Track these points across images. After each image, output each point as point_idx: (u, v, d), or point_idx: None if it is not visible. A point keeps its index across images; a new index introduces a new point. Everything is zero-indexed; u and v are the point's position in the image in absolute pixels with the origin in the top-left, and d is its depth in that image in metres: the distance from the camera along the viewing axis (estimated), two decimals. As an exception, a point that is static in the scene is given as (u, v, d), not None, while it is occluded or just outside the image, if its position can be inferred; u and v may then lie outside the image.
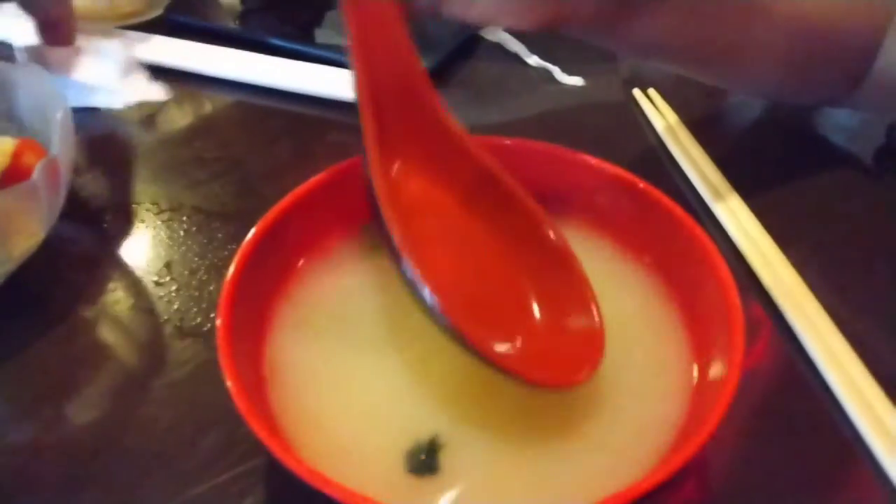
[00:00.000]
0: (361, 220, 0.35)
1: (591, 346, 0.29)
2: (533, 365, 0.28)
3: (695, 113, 0.52)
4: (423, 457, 0.27)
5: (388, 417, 0.29)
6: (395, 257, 0.28)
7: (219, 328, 0.28)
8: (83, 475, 0.33)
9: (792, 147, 0.52)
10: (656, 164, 0.50)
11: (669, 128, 0.51)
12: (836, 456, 0.33)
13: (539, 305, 0.30)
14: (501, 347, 0.28)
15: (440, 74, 0.57)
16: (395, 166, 0.31)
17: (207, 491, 0.32)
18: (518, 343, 0.29)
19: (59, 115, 0.38)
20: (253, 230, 0.32)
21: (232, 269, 0.30)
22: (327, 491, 0.22)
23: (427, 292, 0.27)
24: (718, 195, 0.45)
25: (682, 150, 0.49)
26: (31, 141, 0.40)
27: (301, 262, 0.35)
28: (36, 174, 0.35)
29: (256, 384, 0.29)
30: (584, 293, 0.30)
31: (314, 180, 0.34)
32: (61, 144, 0.37)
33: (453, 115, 0.31)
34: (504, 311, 0.30)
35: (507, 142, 0.36)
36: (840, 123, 0.54)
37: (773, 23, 0.42)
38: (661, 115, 0.52)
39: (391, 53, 0.30)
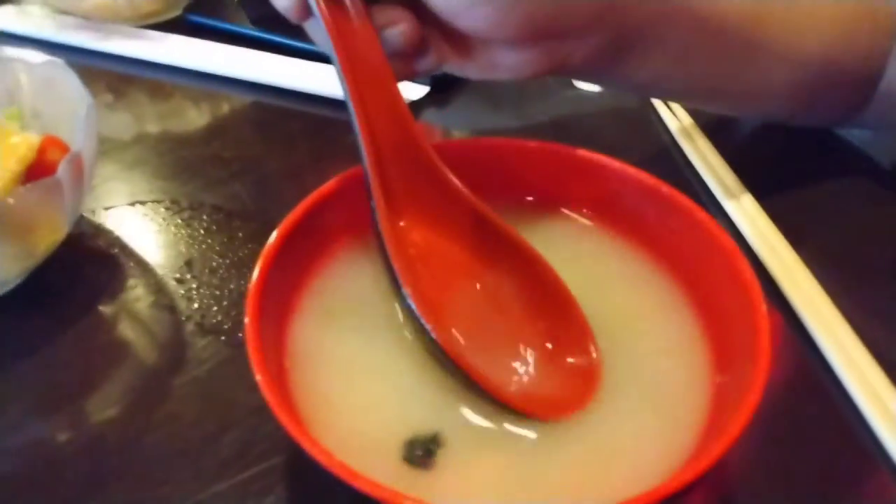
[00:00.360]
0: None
1: (586, 382, 0.30)
2: (523, 396, 0.29)
3: (711, 116, 0.52)
4: (419, 451, 0.27)
5: (394, 407, 0.30)
6: (404, 301, 0.30)
7: (247, 326, 0.28)
8: (106, 472, 0.33)
9: (808, 152, 0.52)
10: (672, 167, 0.50)
11: (685, 131, 0.51)
12: (855, 461, 0.33)
13: (537, 341, 0.31)
14: (498, 379, 0.29)
15: (455, 81, 0.57)
16: (402, 220, 0.32)
17: (229, 489, 0.32)
18: (514, 376, 0.30)
19: (83, 112, 0.38)
20: (276, 231, 0.32)
21: (258, 268, 0.30)
22: (356, 484, 0.22)
23: (428, 329, 0.29)
24: (734, 197, 0.45)
25: (697, 154, 0.49)
26: (55, 138, 0.40)
27: (322, 257, 0.35)
28: (61, 169, 0.35)
29: (279, 375, 0.29)
30: (581, 330, 0.31)
31: (337, 179, 0.34)
32: (85, 140, 0.38)
33: (450, 173, 0.33)
34: (502, 345, 0.31)
35: (532, 144, 0.36)
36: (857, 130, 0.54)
37: (771, 60, 0.41)
38: (676, 119, 0.52)
39: (390, 118, 0.32)
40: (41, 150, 0.39)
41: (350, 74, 0.31)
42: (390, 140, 0.32)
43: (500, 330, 0.31)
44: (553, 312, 0.32)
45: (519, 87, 0.59)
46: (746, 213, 0.44)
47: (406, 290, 0.30)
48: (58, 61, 0.42)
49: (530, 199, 0.37)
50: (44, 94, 0.42)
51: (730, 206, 0.45)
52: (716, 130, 0.51)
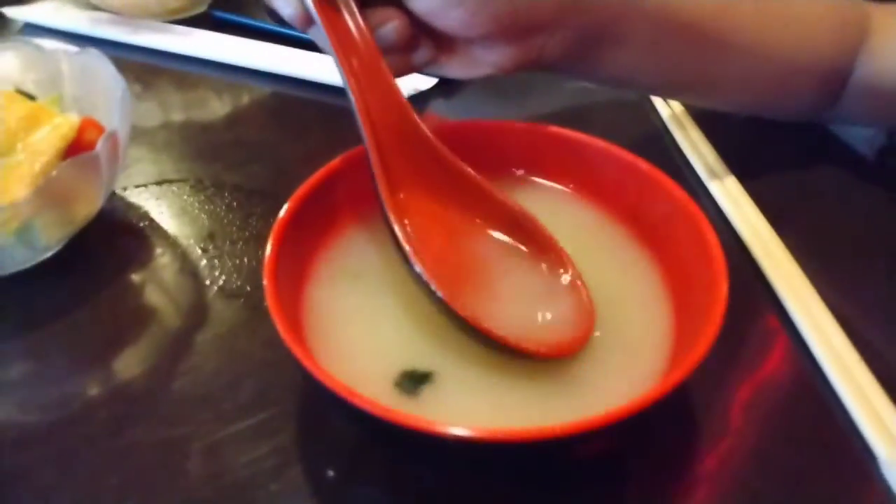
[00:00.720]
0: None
1: (581, 322, 0.33)
2: (526, 339, 0.32)
3: (705, 109, 0.55)
4: (410, 382, 0.31)
5: (392, 348, 0.33)
6: (408, 262, 0.34)
7: (266, 285, 0.31)
8: (134, 413, 0.36)
9: (797, 142, 0.55)
10: (664, 151, 0.53)
11: (677, 119, 0.54)
12: (847, 467, 0.34)
13: (530, 288, 0.35)
14: (495, 322, 0.32)
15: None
16: (401, 191, 0.36)
17: (246, 429, 0.35)
18: (514, 321, 0.33)
19: (119, 95, 0.42)
20: (289, 201, 0.35)
21: (276, 226, 0.33)
22: (352, 400, 0.26)
23: (433, 287, 0.32)
24: (718, 179, 0.48)
25: (687, 140, 0.53)
26: (92, 120, 0.44)
27: (333, 228, 0.38)
28: (99, 145, 0.39)
29: (295, 325, 0.32)
30: (573, 279, 0.34)
31: (343, 157, 0.38)
32: (121, 121, 0.41)
33: (440, 145, 0.37)
34: (502, 294, 0.35)
35: (519, 125, 0.40)
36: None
37: (738, 55, 0.44)
38: (669, 108, 0.56)
39: (386, 104, 0.36)
40: (80, 131, 0.43)
41: (347, 66, 0.35)
42: (387, 122, 0.36)
43: (496, 279, 0.35)
44: (544, 262, 0.35)
45: (525, 80, 0.62)
46: (730, 194, 0.47)
47: (409, 252, 0.33)
48: (94, 51, 0.46)
49: (519, 172, 0.41)
50: (82, 81, 0.46)
51: (715, 189, 0.48)
52: (706, 120, 0.54)
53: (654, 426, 0.35)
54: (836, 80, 0.46)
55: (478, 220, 0.37)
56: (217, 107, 0.59)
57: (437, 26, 0.37)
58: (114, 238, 0.46)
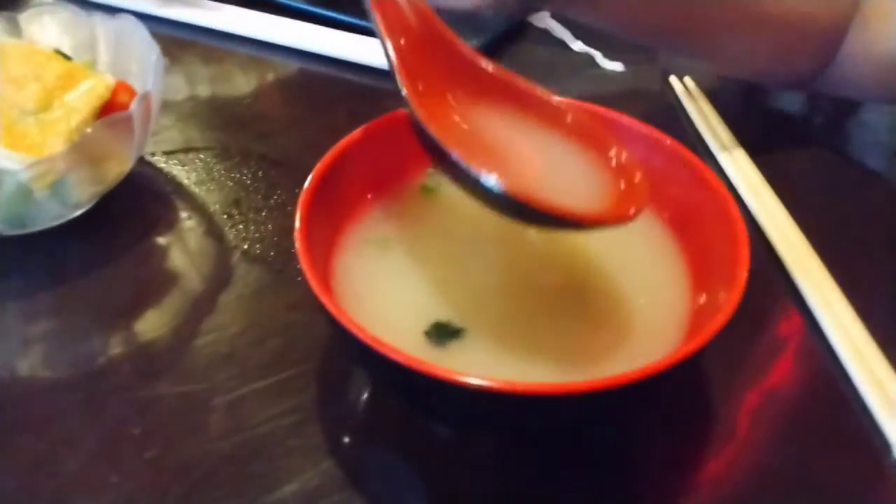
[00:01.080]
0: (420, 167, 0.40)
1: (634, 191, 0.32)
2: (582, 206, 0.31)
3: (729, 102, 0.56)
4: (436, 334, 0.32)
5: (420, 306, 0.34)
6: (447, 160, 0.32)
7: (298, 245, 0.32)
8: (158, 367, 0.37)
9: (825, 145, 0.55)
10: (678, 126, 0.53)
11: (702, 113, 0.55)
12: (866, 461, 0.35)
13: (574, 167, 0.34)
14: (551, 196, 0.30)
15: (486, 55, 0.61)
16: (428, 92, 0.35)
17: (269, 386, 0.36)
18: (565, 192, 0.32)
19: (153, 58, 0.43)
20: (315, 170, 0.36)
21: (306, 185, 0.34)
22: (382, 350, 0.26)
23: (482, 174, 0.30)
24: (728, 152, 0.49)
25: (699, 114, 0.53)
26: (126, 83, 0.45)
27: (360, 195, 0.39)
28: (134, 105, 0.40)
29: (325, 290, 0.33)
30: (616, 148, 0.34)
31: (370, 124, 0.38)
32: (155, 84, 0.42)
33: (465, 43, 0.36)
34: (544, 173, 0.34)
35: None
36: (876, 139, 0.57)
37: (735, 7, 0.45)
38: (694, 101, 0.56)
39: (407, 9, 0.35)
40: (113, 93, 0.43)
41: None
42: (409, 24, 0.35)
43: (536, 160, 0.34)
44: (585, 140, 0.34)
45: (547, 66, 0.63)
46: (759, 194, 0.48)
47: (438, 141, 0.31)
48: (129, 16, 0.46)
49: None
50: (116, 46, 0.47)
51: (744, 189, 0.48)
52: (735, 118, 0.54)
53: (670, 415, 0.35)
54: (828, 45, 0.47)
55: (511, 110, 0.36)
56: (242, 82, 0.60)
57: None
58: (141, 201, 0.47)
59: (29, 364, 0.38)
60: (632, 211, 0.31)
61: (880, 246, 0.45)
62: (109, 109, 0.43)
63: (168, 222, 0.45)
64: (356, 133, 0.38)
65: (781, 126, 0.58)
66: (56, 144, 0.39)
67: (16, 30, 0.46)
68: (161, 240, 0.44)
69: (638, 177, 0.32)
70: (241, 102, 0.58)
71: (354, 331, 0.27)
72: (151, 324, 0.40)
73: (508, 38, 0.64)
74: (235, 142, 0.52)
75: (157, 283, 0.42)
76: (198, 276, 0.42)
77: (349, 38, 0.61)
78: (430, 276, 0.35)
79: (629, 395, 0.28)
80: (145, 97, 0.41)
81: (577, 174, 0.33)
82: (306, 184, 0.35)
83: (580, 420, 0.30)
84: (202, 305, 0.40)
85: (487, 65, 0.36)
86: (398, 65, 0.34)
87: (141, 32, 0.45)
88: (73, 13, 0.47)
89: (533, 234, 0.37)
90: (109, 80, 0.43)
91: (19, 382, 0.37)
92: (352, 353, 0.36)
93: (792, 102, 0.60)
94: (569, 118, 0.35)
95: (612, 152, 0.34)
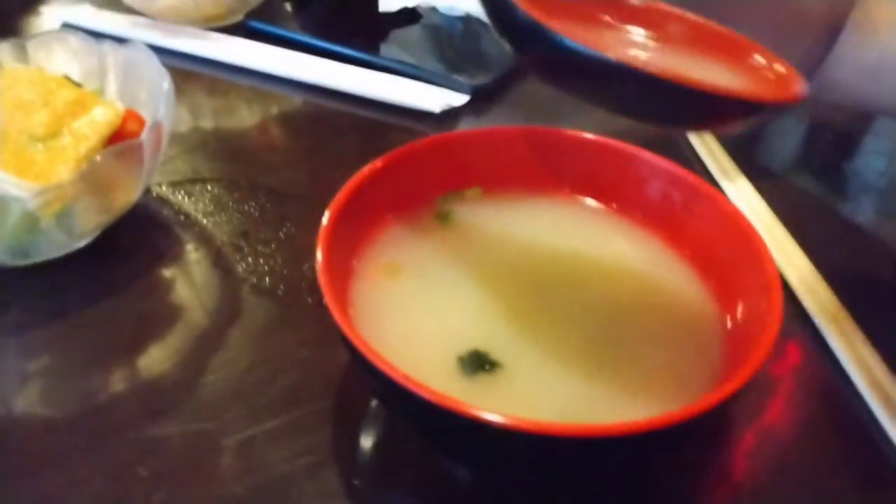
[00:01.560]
0: (432, 194, 0.39)
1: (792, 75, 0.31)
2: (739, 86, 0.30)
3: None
4: (473, 364, 0.31)
5: (448, 335, 0.33)
6: (572, 60, 0.29)
7: (320, 274, 0.31)
8: (164, 405, 0.36)
9: (823, 174, 0.55)
10: (678, 153, 0.54)
11: (703, 140, 0.55)
12: (872, 465, 0.35)
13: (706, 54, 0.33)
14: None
15: (494, 92, 0.61)
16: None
17: (283, 425, 0.34)
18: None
19: (164, 86, 0.42)
20: (333, 202, 0.35)
21: (326, 219, 0.33)
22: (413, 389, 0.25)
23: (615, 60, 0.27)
24: (753, 209, 0.49)
25: (715, 162, 0.53)
26: (135, 112, 0.44)
27: (373, 228, 0.38)
28: (145, 133, 0.39)
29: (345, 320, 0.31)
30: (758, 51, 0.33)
31: (382, 158, 0.37)
32: (165, 113, 0.41)
33: None
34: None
35: (567, 133, 0.40)
36: (871, 183, 0.58)
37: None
38: (705, 144, 0.56)
39: None
40: (123, 121, 0.43)
41: None
42: None
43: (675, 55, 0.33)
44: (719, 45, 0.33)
45: (553, 103, 0.62)
46: (742, 193, 0.49)
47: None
48: (140, 44, 0.46)
49: (566, 190, 0.40)
50: (126, 74, 0.46)
51: (727, 186, 0.50)
52: (740, 149, 0.55)
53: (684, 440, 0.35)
54: (821, 42, 0.47)
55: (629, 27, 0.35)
56: (247, 114, 0.59)
57: None
58: (147, 231, 0.45)
59: (28, 402, 0.36)
60: (797, 88, 0.29)
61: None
62: (118, 138, 0.42)
63: (174, 254, 0.44)
64: (370, 166, 0.37)
65: (780, 153, 0.58)
66: (64, 172, 0.38)
67: (24, 57, 0.45)
68: (167, 272, 0.43)
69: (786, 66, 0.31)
70: (247, 134, 0.57)
71: (387, 370, 0.26)
72: (157, 360, 0.38)
73: (514, 73, 0.64)
74: (242, 173, 0.51)
75: (163, 317, 0.40)
76: (205, 310, 0.41)
77: (354, 72, 0.61)
78: (453, 304, 0.34)
79: (664, 440, 0.27)
80: (156, 126, 0.40)
81: (718, 73, 0.32)
82: (324, 220, 0.34)
83: (623, 462, 0.29)
84: (210, 340, 0.39)
85: None
86: None
87: (152, 61, 0.44)
88: (82, 40, 0.47)
89: (555, 258, 0.37)
90: (120, 108, 0.42)
91: (18, 421, 0.35)
92: (381, 393, 0.35)
93: (791, 128, 0.60)
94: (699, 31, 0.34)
95: (749, 54, 0.33)
